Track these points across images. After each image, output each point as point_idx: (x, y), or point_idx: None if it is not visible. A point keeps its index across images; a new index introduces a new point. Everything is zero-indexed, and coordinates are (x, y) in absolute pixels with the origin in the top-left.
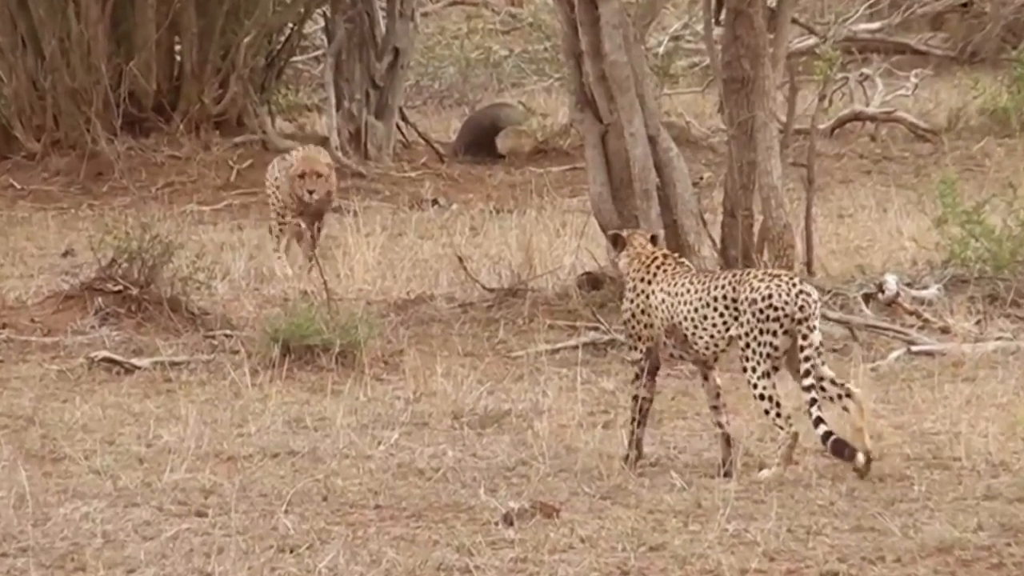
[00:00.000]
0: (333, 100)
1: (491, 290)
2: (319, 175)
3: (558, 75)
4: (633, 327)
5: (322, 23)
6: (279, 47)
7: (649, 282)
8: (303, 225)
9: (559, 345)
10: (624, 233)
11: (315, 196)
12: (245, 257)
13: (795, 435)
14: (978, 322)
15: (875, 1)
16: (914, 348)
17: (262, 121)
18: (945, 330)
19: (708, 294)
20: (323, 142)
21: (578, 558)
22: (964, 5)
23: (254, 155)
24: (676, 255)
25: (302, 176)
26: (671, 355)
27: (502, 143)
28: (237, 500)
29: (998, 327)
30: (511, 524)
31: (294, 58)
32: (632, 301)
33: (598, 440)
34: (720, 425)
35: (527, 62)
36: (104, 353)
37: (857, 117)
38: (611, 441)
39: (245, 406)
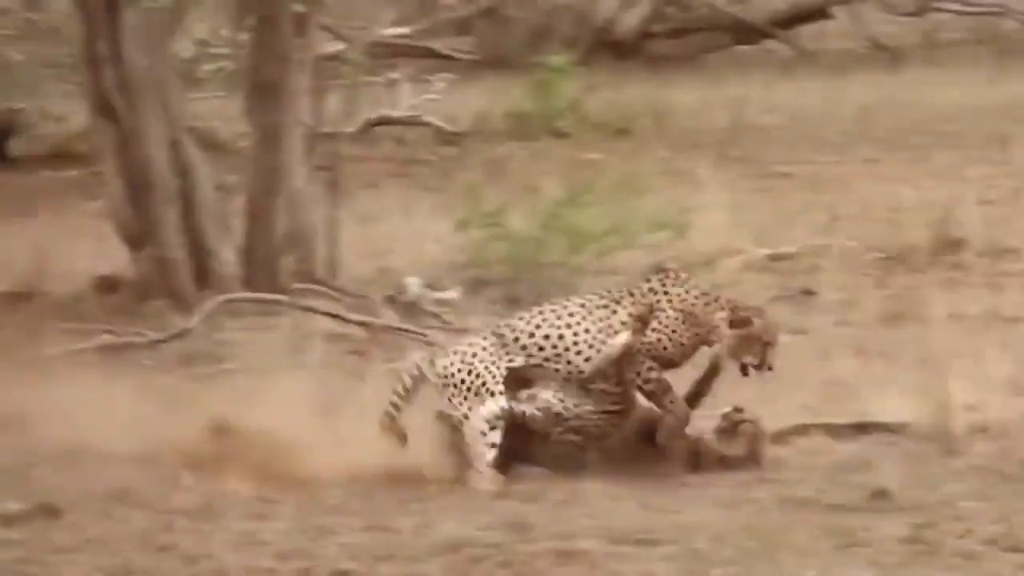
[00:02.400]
0: None
1: None
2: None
3: (78, 80)
4: None
5: None
6: None
7: None
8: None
9: (73, 348)
10: None
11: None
12: None
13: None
14: None
15: (402, 6)
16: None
17: None
18: (464, 330)
19: None
20: None
21: (83, 559)
22: (489, 11)
23: None
24: None
25: (768, 344)
26: None
27: (15, 146)
28: None
29: None
30: (9, 526)
31: None
32: None
33: (112, 441)
34: None
35: (47, 66)
36: None
37: (385, 121)
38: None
39: None
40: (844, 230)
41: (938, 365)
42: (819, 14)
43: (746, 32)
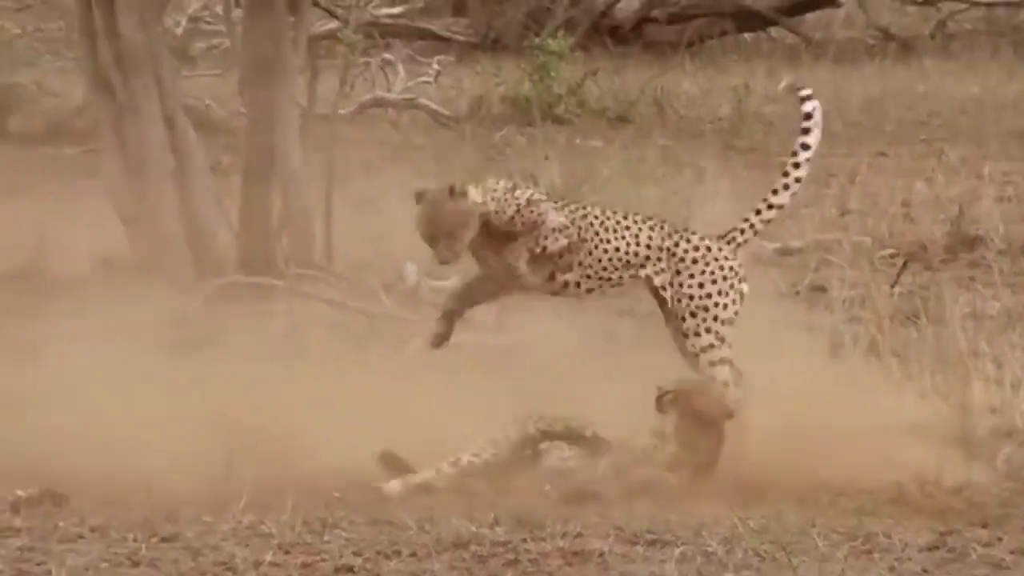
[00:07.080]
0: None
1: None
2: None
3: (73, 55)
4: None
5: None
6: None
7: None
8: None
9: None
10: None
11: None
12: None
13: None
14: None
15: None
16: None
17: None
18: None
19: None
20: None
21: (87, 547)
22: None
23: None
24: None
25: None
26: None
27: (13, 122)
28: None
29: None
30: (17, 512)
31: None
32: None
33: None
34: None
35: (41, 41)
36: None
37: (379, 103)
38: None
39: None
40: (854, 225)
41: (957, 366)
42: (826, 2)
43: (749, 19)
